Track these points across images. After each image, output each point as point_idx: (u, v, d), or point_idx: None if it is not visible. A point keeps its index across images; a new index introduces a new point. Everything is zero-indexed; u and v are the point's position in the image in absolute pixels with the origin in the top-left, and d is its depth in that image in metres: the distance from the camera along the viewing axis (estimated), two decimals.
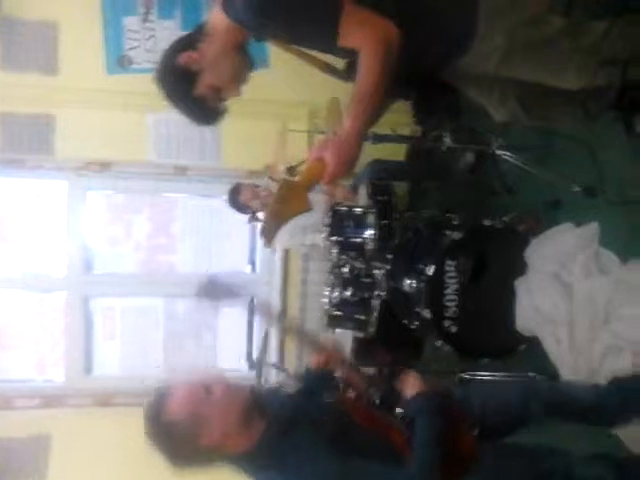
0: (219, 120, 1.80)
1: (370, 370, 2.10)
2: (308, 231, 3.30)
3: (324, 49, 1.77)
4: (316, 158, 1.63)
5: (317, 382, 2.05)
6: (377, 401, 1.94)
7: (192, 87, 1.69)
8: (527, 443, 1.91)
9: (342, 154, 1.59)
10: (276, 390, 2.26)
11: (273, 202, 1.72)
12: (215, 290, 2.06)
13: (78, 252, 3.80)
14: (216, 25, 1.67)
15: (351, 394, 2.07)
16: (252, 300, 3.53)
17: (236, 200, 3.37)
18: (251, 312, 3.48)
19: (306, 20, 1.54)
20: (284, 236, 3.39)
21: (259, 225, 3.70)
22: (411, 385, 1.76)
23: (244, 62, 1.74)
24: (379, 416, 1.83)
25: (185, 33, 1.77)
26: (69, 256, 3.79)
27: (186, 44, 1.71)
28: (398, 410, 1.81)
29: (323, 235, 2.84)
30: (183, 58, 1.67)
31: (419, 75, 1.77)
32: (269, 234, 1.78)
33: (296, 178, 1.70)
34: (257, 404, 1.71)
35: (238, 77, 1.75)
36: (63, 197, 3.79)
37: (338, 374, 2.07)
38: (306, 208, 1.79)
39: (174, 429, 1.63)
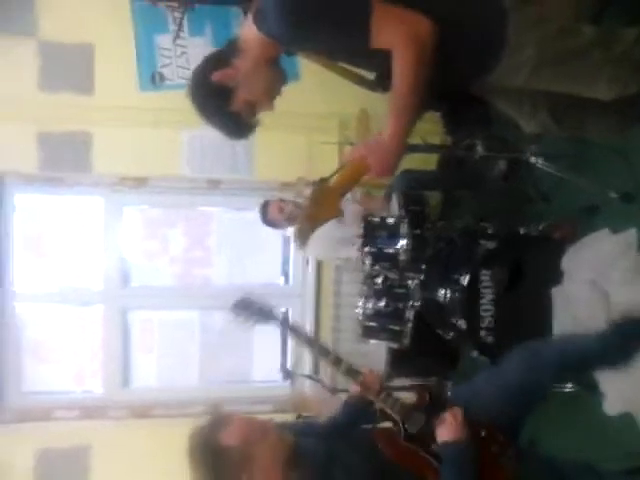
0: (252, 133, 1.82)
1: (410, 397, 1.99)
2: (342, 244, 3.31)
3: (356, 59, 1.77)
4: (355, 161, 1.63)
5: (354, 413, 2.04)
6: (413, 434, 1.86)
7: (227, 103, 1.70)
8: (561, 458, 1.90)
9: (385, 156, 1.61)
10: (310, 426, 2.21)
11: (307, 205, 1.74)
12: (248, 309, 2.18)
13: (115, 266, 3.87)
14: (248, 40, 1.68)
15: (387, 425, 1.98)
16: (286, 312, 3.57)
17: (265, 217, 3.43)
18: (285, 323, 3.50)
19: (337, 25, 1.54)
20: (318, 248, 3.42)
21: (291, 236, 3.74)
22: (447, 428, 1.74)
23: (277, 76, 1.76)
24: (415, 452, 1.81)
25: (216, 49, 1.79)
26: (106, 270, 3.87)
27: (220, 61, 1.72)
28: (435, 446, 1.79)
29: (356, 246, 2.85)
30: (218, 75, 1.68)
31: (450, 87, 1.76)
32: (303, 237, 1.81)
33: (330, 183, 1.71)
34: (297, 454, 1.76)
35: (272, 91, 1.76)
36: (100, 212, 3.87)
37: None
38: (337, 214, 1.82)
39: (225, 454, 1.67)
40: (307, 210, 1.77)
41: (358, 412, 2.02)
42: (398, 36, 1.50)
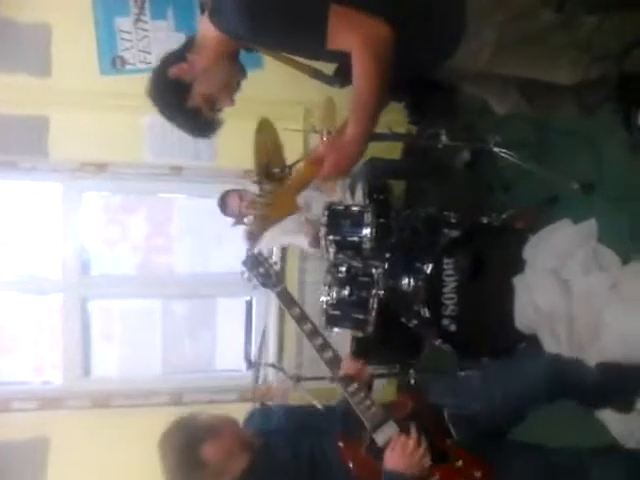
0: (215, 131, 1.81)
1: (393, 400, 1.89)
2: (292, 233, 3.31)
3: (313, 55, 1.75)
4: (315, 160, 1.63)
5: (332, 419, 1.90)
6: (379, 447, 1.67)
7: (185, 99, 1.69)
8: (534, 440, 1.90)
9: (343, 157, 1.61)
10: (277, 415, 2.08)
11: (262, 208, 1.74)
12: (256, 268, 2.12)
13: (74, 254, 3.79)
14: (206, 35, 1.67)
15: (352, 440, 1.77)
16: (250, 300, 3.55)
17: (224, 209, 3.40)
18: (249, 311, 3.49)
19: (294, 25, 1.53)
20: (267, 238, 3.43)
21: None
22: (396, 455, 1.60)
23: (235, 70, 1.75)
24: (373, 467, 1.65)
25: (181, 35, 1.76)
26: (65, 258, 3.78)
27: (176, 57, 1.71)
28: None
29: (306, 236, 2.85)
30: (174, 70, 1.67)
31: (412, 75, 1.76)
32: (253, 237, 1.81)
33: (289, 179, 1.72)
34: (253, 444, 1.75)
35: (231, 86, 1.75)
36: (58, 199, 3.77)
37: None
38: (293, 211, 1.83)
39: (202, 467, 1.69)
40: (261, 212, 1.77)
41: (335, 420, 1.89)
42: (356, 41, 1.49)
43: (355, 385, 1.74)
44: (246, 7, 1.50)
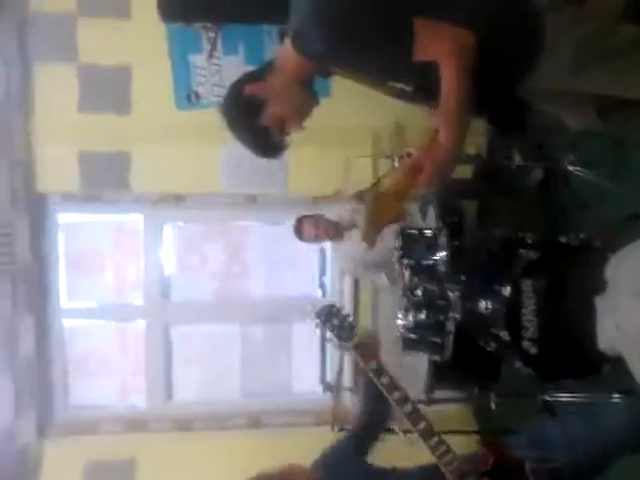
0: (281, 153, 1.84)
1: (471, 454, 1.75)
2: (372, 269, 3.36)
3: (393, 74, 1.79)
4: (412, 166, 1.65)
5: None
6: None
7: (257, 117, 1.73)
8: None
9: (443, 164, 1.62)
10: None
11: (367, 210, 1.77)
12: (331, 321, 2.08)
13: (156, 281, 3.94)
14: (284, 59, 1.72)
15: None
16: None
17: (300, 236, 3.49)
18: (324, 335, 3.52)
19: (381, 41, 1.56)
20: (349, 265, 3.47)
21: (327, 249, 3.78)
22: None
23: (309, 97, 1.80)
24: None
25: (252, 68, 1.84)
26: (147, 285, 3.94)
27: (254, 76, 1.77)
28: None
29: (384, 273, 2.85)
30: (250, 88, 1.72)
31: (490, 92, 1.77)
32: (369, 239, 1.84)
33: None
34: None
35: (302, 111, 1.80)
36: (140, 229, 3.95)
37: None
38: (402, 215, 1.84)
39: None
40: (367, 214, 1.80)
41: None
42: (443, 51, 1.53)
43: (437, 438, 1.70)
44: (332, 27, 1.54)
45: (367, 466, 1.96)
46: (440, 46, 1.54)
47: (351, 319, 2.11)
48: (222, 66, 3.85)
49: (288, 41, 1.69)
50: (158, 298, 3.95)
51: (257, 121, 1.73)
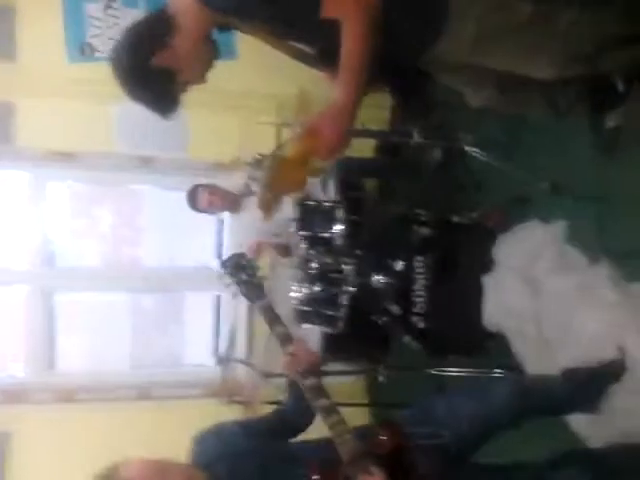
0: (178, 110, 1.74)
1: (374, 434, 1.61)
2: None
3: (298, 33, 1.73)
4: (309, 131, 1.60)
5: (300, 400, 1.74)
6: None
7: (171, 86, 1.65)
8: (497, 461, 1.91)
9: (338, 124, 1.57)
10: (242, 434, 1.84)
11: (266, 176, 1.69)
12: (238, 274, 1.90)
13: (40, 245, 3.71)
14: (184, 14, 1.60)
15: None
16: (219, 295, 3.51)
17: (193, 204, 3.37)
18: (217, 307, 3.45)
19: None
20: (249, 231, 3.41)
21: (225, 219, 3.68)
22: None
23: (211, 51, 1.71)
24: None
25: (144, 24, 1.68)
26: (30, 249, 3.70)
27: (156, 41, 1.62)
28: None
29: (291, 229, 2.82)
30: (159, 60, 1.60)
31: (396, 61, 1.75)
32: (267, 207, 1.73)
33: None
34: None
35: (206, 67, 1.72)
36: (24, 188, 3.68)
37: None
38: (302, 183, 1.77)
39: None
40: (265, 180, 1.70)
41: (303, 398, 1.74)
42: (350, 5, 1.50)
43: (337, 417, 1.61)
44: None
45: (256, 423, 1.88)
46: (346, 2, 1.50)
47: (262, 281, 1.91)
48: (120, 18, 3.62)
49: None
50: (41, 262, 3.71)
51: (171, 89, 1.65)
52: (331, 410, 1.63)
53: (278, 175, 1.69)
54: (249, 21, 1.70)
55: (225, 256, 1.98)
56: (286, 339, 1.79)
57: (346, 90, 1.55)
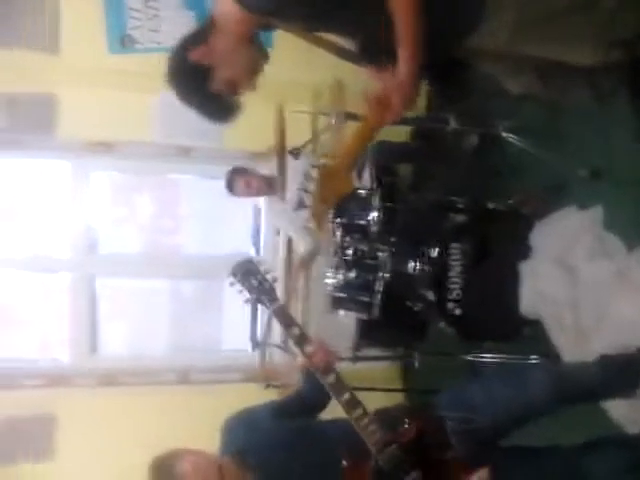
0: (235, 117, 1.76)
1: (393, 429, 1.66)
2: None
3: (340, 28, 1.73)
4: (377, 101, 1.62)
5: (317, 387, 1.78)
6: (384, 471, 1.57)
7: (206, 83, 1.63)
8: (531, 444, 1.91)
9: (407, 94, 1.61)
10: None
11: (316, 190, 1.72)
12: (248, 280, 1.88)
13: (82, 233, 3.80)
14: (223, 15, 1.62)
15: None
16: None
17: (231, 189, 3.41)
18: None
19: None
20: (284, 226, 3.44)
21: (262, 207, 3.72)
22: None
23: (257, 53, 1.71)
24: None
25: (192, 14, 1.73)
26: (73, 237, 3.79)
27: (196, 39, 1.65)
28: None
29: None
30: (194, 54, 1.61)
31: (433, 51, 1.75)
32: (319, 218, 1.78)
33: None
34: None
35: (252, 69, 1.70)
36: (67, 177, 3.78)
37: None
38: (350, 188, 1.81)
39: None
40: (318, 194, 1.75)
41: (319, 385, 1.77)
42: None
43: (360, 411, 1.65)
44: None
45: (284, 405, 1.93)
46: None
47: (271, 277, 1.90)
48: (160, 10, 3.67)
49: None
50: (84, 249, 3.81)
51: (206, 87, 1.64)
52: (354, 404, 1.66)
53: (330, 187, 1.74)
54: (289, 20, 1.70)
55: (236, 262, 1.92)
56: (302, 340, 1.81)
57: (410, 60, 1.56)
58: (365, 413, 1.65)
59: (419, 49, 1.56)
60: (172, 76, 1.67)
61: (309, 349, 1.78)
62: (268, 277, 1.89)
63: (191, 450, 1.73)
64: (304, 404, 1.93)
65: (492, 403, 1.81)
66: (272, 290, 1.88)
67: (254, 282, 1.86)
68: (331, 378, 1.73)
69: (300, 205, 3.33)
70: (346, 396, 1.68)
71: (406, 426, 1.64)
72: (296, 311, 3.68)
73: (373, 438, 1.59)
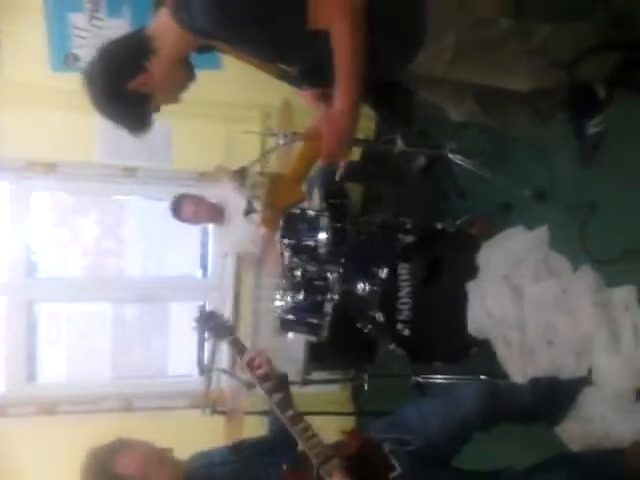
0: (149, 129, 1.74)
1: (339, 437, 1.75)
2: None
3: (282, 52, 1.72)
4: (311, 135, 1.65)
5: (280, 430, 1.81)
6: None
7: (146, 109, 1.64)
8: (484, 468, 1.91)
9: (339, 128, 1.59)
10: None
11: (267, 195, 1.75)
12: (209, 323, 2.27)
13: (20, 256, 3.66)
14: (162, 36, 1.59)
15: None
16: (203, 306, 3.48)
17: (178, 214, 3.36)
18: (202, 318, 3.42)
19: (273, 10, 1.49)
20: (234, 244, 3.39)
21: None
22: None
23: (188, 75, 1.70)
24: None
25: (121, 48, 1.65)
26: (11, 260, 3.64)
27: (134, 67, 1.60)
28: None
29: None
30: (134, 85, 1.58)
31: (374, 78, 1.76)
32: (270, 223, 1.84)
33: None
34: None
35: (180, 88, 1.71)
36: (5, 198, 3.64)
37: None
38: (303, 198, 1.86)
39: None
40: (267, 198, 1.82)
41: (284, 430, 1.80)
42: (337, 12, 1.49)
43: (304, 424, 1.72)
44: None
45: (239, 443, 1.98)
46: (334, 6, 1.49)
47: (230, 323, 2.33)
48: (104, 29, 3.61)
49: (165, 12, 1.57)
50: (22, 273, 3.66)
51: (146, 112, 1.65)
52: (297, 419, 1.73)
53: (279, 192, 1.76)
54: (230, 43, 1.68)
55: (198, 312, 2.33)
56: (241, 350, 2.05)
57: (347, 97, 1.56)
58: (308, 427, 1.71)
59: (357, 87, 1.55)
60: (107, 100, 1.63)
61: (246, 356, 1.96)
62: (228, 322, 2.30)
63: (132, 440, 1.82)
64: (272, 445, 1.93)
65: (426, 422, 1.84)
66: (228, 327, 2.25)
67: (212, 324, 2.26)
68: (278, 395, 1.81)
69: (250, 210, 3.29)
70: (289, 412, 1.75)
71: (345, 442, 1.71)
72: (245, 334, 3.63)
73: (315, 450, 1.64)
